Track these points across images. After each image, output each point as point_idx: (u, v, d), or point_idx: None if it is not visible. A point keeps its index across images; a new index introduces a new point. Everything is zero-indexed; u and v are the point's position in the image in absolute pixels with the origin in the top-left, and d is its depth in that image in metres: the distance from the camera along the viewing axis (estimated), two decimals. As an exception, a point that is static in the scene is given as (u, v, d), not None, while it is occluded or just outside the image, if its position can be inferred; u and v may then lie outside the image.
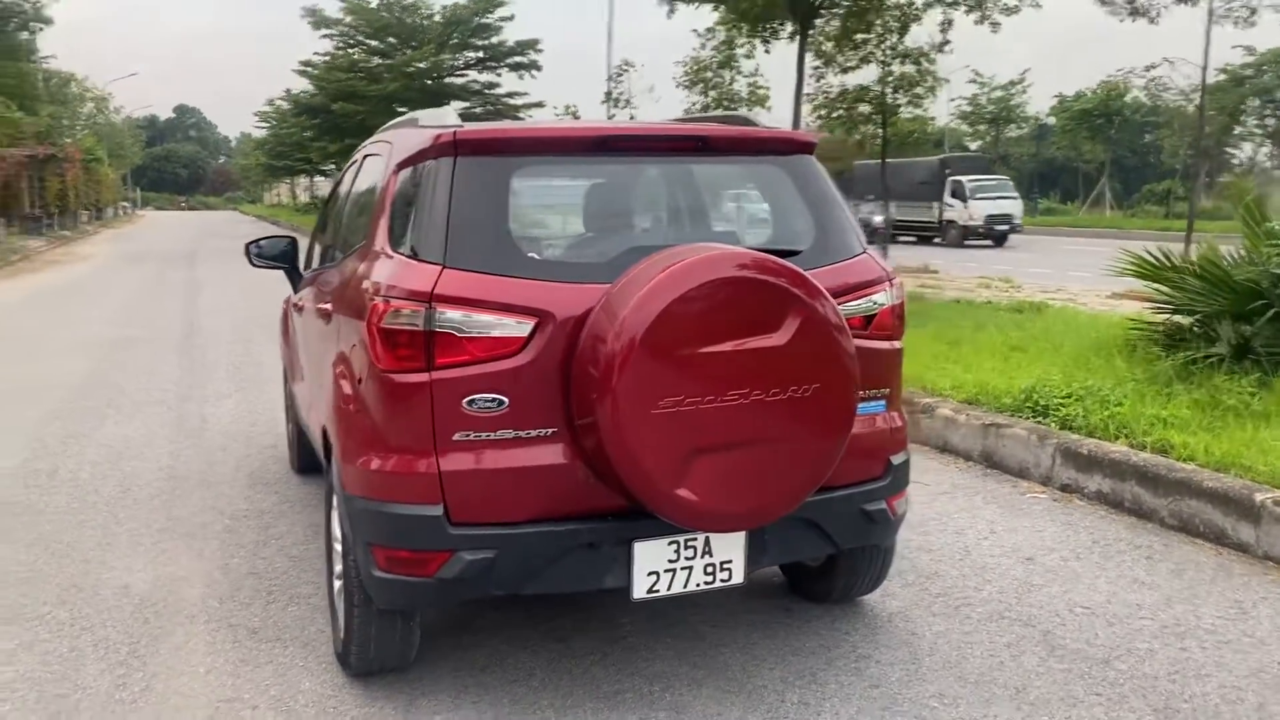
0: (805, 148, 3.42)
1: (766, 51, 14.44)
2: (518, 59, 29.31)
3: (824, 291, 2.85)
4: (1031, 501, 5.14)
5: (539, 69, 29.60)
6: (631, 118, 35.30)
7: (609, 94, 35.09)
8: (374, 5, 27.92)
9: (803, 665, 3.42)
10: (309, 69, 31.03)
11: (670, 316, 2.66)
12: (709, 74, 25.74)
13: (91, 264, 23.95)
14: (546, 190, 3.53)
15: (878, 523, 3.31)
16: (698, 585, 3.07)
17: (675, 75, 27.65)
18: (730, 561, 3.09)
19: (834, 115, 20.91)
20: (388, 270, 3.00)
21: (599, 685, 3.29)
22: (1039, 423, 5.61)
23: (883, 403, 3.32)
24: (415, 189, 3.12)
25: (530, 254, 3.03)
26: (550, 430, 2.88)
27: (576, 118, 38.49)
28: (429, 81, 27.38)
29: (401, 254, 3.01)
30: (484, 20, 27.86)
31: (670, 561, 3.02)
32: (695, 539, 3.02)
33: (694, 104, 26.14)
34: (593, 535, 2.95)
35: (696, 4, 13.11)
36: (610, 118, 35.48)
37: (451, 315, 2.82)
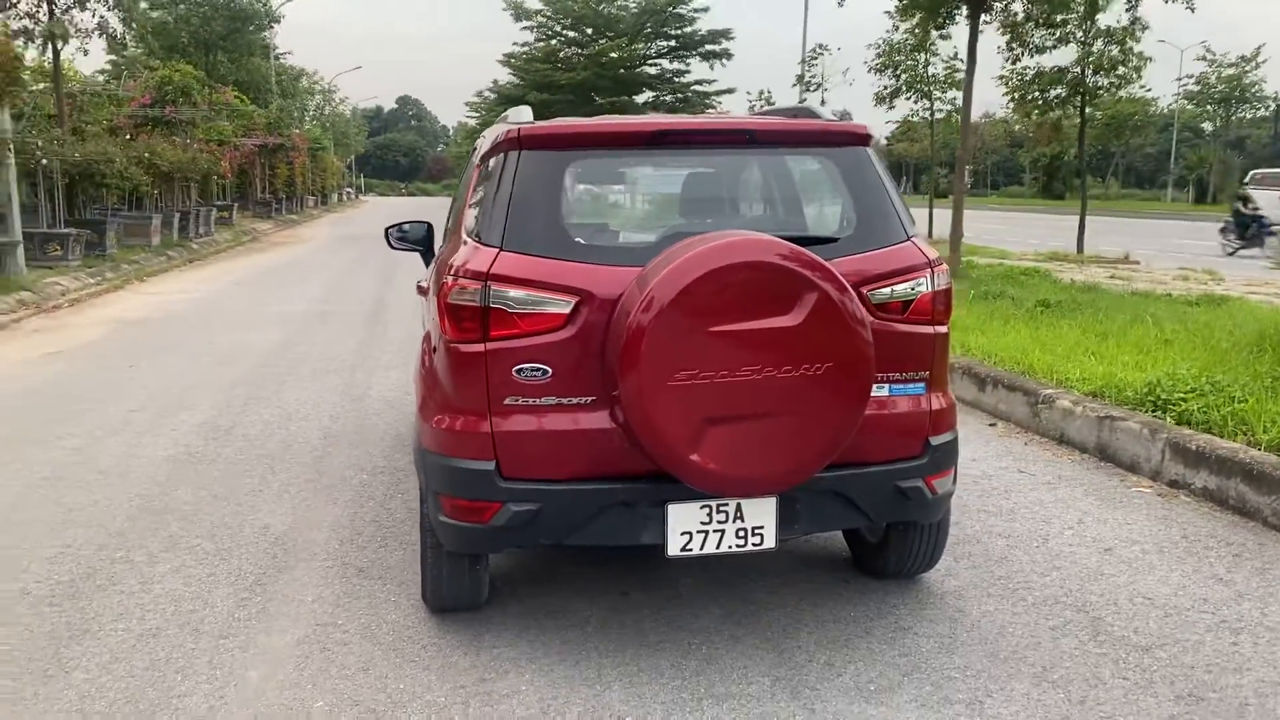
0: (854, 139, 3.58)
1: (943, 37, 14.11)
2: (710, 47, 29.65)
3: (838, 277, 3.03)
4: (1135, 495, 5.06)
5: (730, 57, 29.86)
6: (823, 102, 35.11)
7: (800, 78, 34.93)
8: (572, -2, 28.95)
9: (840, 632, 3.61)
10: (510, 60, 32.47)
11: (685, 297, 2.92)
12: (900, 57, 25.17)
13: (310, 245, 25.93)
14: (598, 180, 3.83)
15: (913, 500, 3.45)
16: (730, 547, 3.31)
17: (867, 59, 27.08)
18: (762, 527, 3.32)
19: (1028, 98, 20.16)
20: (460, 253, 3.39)
21: (646, 635, 3.59)
22: (1156, 417, 5.48)
23: (922, 385, 3.45)
24: (487, 180, 3.49)
25: (578, 239, 3.34)
26: (590, 399, 3.19)
27: (770, 104, 38.67)
28: (621, 71, 28.08)
29: (472, 238, 3.40)
30: (677, 10, 28.33)
31: (703, 524, 3.28)
32: (727, 504, 3.27)
33: (884, 88, 25.71)
34: (628, 495, 3.25)
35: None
36: (801, 101, 35.41)
37: (504, 293, 3.18)
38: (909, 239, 3.48)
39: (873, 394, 3.34)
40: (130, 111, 23.70)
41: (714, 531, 3.29)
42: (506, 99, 36.64)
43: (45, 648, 3.49)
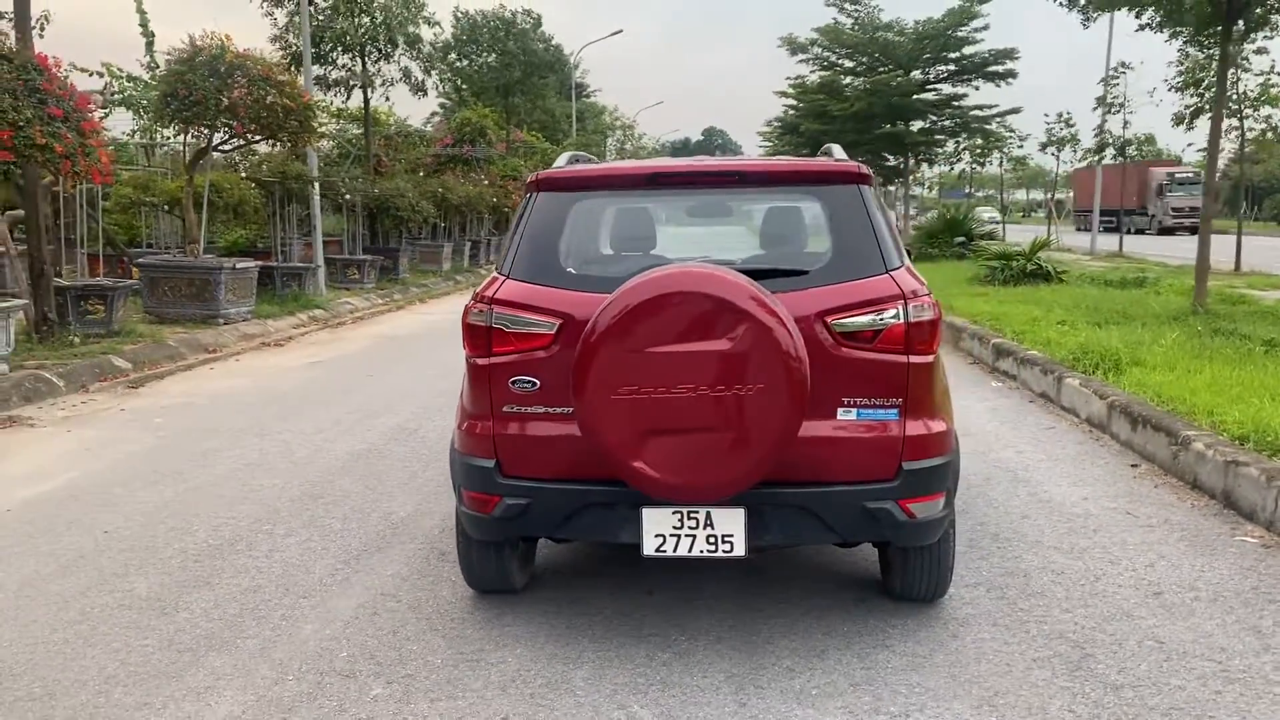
0: (846, 178, 3.79)
1: (1206, 56, 13.09)
2: (993, 68, 28.67)
3: (771, 307, 3.29)
4: (1235, 544, 4.78)
5: (1014, 76, 28.68)
6: (1125, 124, 32.88)
7: (1101, 99, 32.87)
8: (848, 27, 28.94)
9: (821, 643, 3.80)
10: (786, 93, 32.98)
11: (626, 321, 3.30)
12: (1205, 74, 23.22)
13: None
14: (598, 216, 4.22)
15: (883, 522, 3.59)
16: (701, 552, 3.62)
17: (1167, 77, 25.19)
18: (732, 535, 3.60)
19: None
20: (484, 280, 3.94)
21: (642, 628, 3.96)
22: (1284, 464, 5.11)
23: (895, 411, 3.60)
24: (516, 218, 4.03)
25: (570, 269, 3.80)
26: (571, 409, 3.63)
27: (1070, 125, 36.69)
28: (896, 99, 27.78)
29: (494, 267, 3.94)
30: (957, 33, 27.66)
31: (675, 528, 3.62)
32: (697, 512, 3.59)
33: (1185, 107, 23.83)
34: (605, 497, 3.65)
35: (1127, 8, 12.27)
36: (1102, 122, 33.30)
37: (503, 315, 3.69)
38: (888, 272, 3.65)
39: (840, 417, 3.58)
40: (435, 151, 26.39)
41: (685, 536, 3.62)
42: (788, 128, 37.22)
43: (174, 592, 4.37)
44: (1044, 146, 37.08)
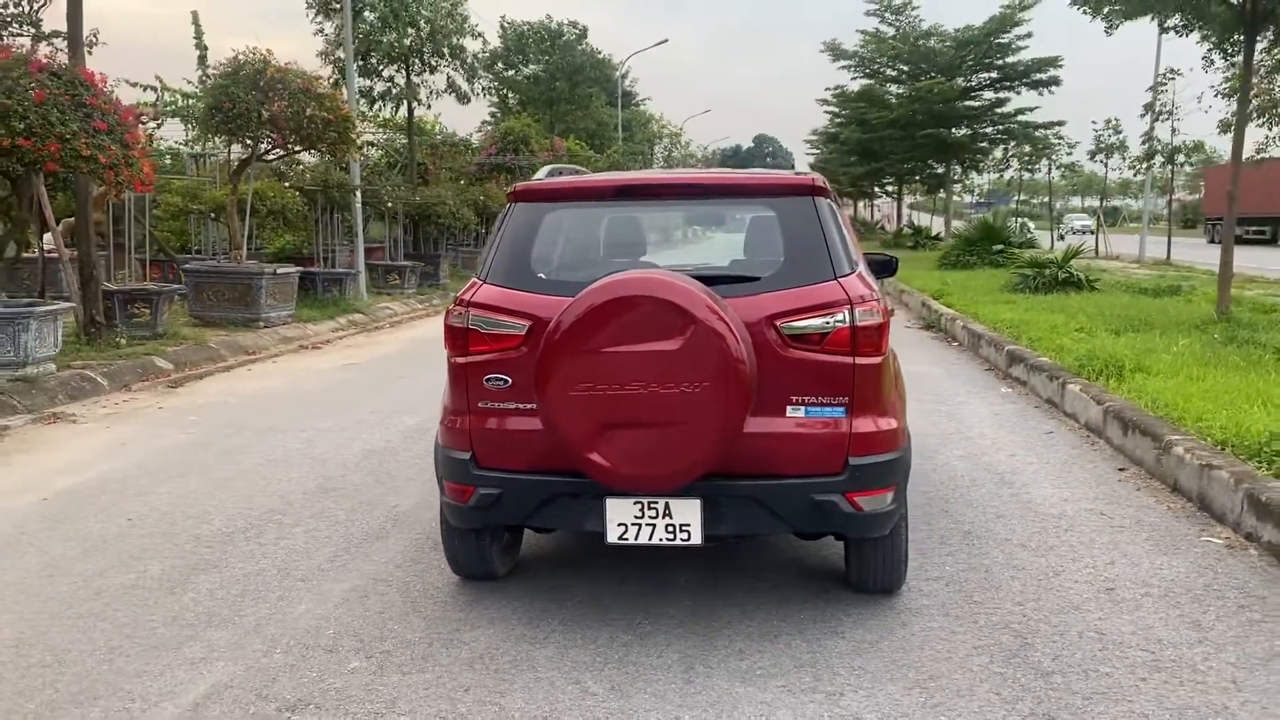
0: (801, 190, 4.02)
1: (1231, 64, 13.03)
2: (1037, 76, 28.57)
3: (717, 310, 3.53)
4: (1199, 544, 4.91)
5: (1058, 84, 28.56)
6: (1173, 131, 32.42)
7: (1149, 106, 32.48)
8: (890, 35, 29.02)
9: (776, 628, 4.02)
10: (827, 102, 33.16)
11: (581, 323, 3.56)
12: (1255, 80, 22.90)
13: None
14: (568, 226, 4.46)
15: (830, 514, 3.81)
16: (661, 540, 3.87)
17: (1215, 84, 24.86)
18: (689, 525, 3.84)
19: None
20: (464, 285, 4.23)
21: (609, 613, 4.21)
22: (1256, 467, 5.22)
23: (841, 409, 3.81)
24: (496, 227, 4.32)
25: (540, 274, 4.06)
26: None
27: (1118, 132, 36.29)
28: (938, 106, 27.80)
29: (475, 273, 4.23)
30: (999, 40, 27.61)
31: (636, 517, 3.87)
32: (657, 502, 3.83)
33: (1231, 114, 23.56)
34: (571, 488, 3.90)
35: (1154, 17, 12.30)
36: (1150, 130, 32.88)
37: (478, 316, 3.97)
38: (836, 279, 3.87)
39: (790, 414, 3.81)
40: (479, 160, 26.91)
41: (646, 525, 3.87)
42: (829, 137, 37.32)
43: (184, 573, 4.71)
44: (1093, 154, 36.76)
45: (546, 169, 4.67)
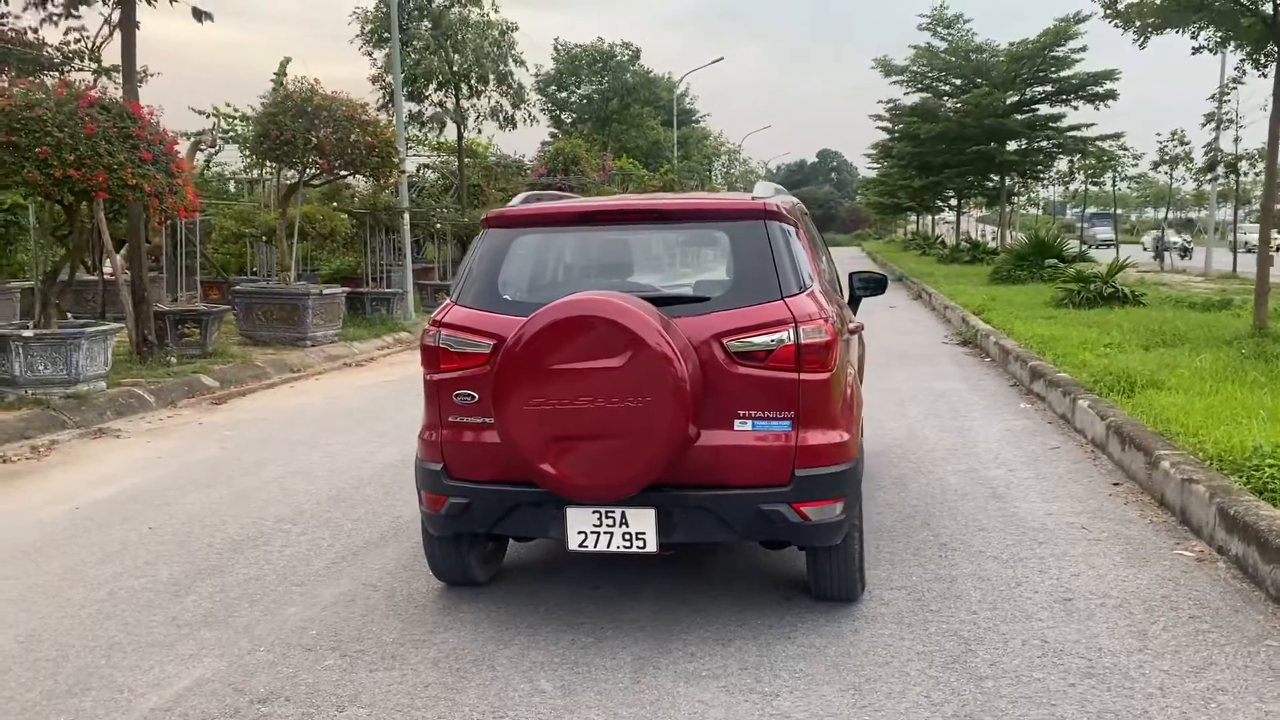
0: (752, 214, 4.21)
1: (1262, 76, 12.86)
2: (1093, 89, 28.22)
3: (659, 331, 3.73)
4: (1172, 557, 4.96)
5: (1114, 97, 28.16)
6: (1236, 139, 31.72)
7: (1211, 116, 31.86)
8: (942, 49, 28.93)
9: (732, 633, 4.19)
10: (881, 116, 33.11)
11: (533, 342, 3.79)
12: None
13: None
14: (534, 250, 4.67)
15: (777, 523, 3.98)
16: (618, 548, 4.07)
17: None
18: (644, 533, 4.05)
19: None
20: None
21: (576, 617, 4.41)
22: (1236, 482, 5.25)
23: (787, 423, 3.99)
24: (470, 250, 4.58)
25: (506, 296, 4.31)
26: None
27: (1185, 143, 35.58)
28: (990, 120, 27.63)
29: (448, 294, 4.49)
30: (1053, 54, 27.37)
31: (595, 526, 4.08)
32: (614, 512, 4.04)
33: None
34: (534, 498, 4.13)
35: (1182, 30, 12.21)
36: (1213, 139, 32.20)
37: (449, 336, 4.23)
38: (783, 298, 4.05)
39: (737, 427, 3.99)
40: (530, 180, 27.40)
41: (604, 533, 4.08)
42: (884, 152, 37.19)
43: (191, 577, 5.03)
44: (1156, 165, 36.10)
45: (521, 195, 4.92)
